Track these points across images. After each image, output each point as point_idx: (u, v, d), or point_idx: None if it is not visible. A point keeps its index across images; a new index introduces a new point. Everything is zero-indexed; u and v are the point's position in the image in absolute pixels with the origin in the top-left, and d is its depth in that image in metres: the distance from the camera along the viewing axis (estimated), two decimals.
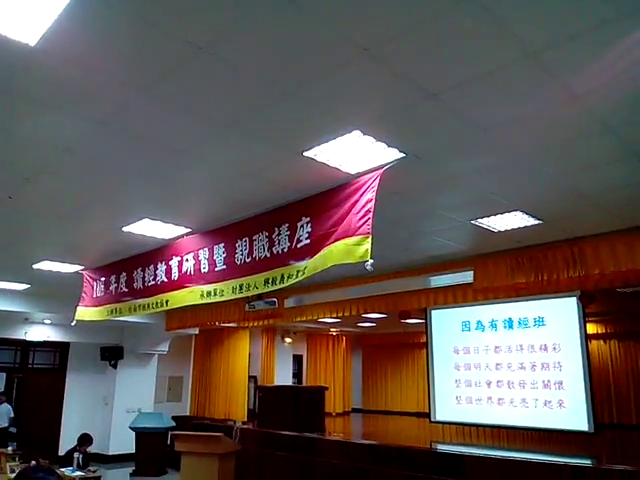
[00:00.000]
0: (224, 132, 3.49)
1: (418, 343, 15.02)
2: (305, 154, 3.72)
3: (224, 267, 5.06)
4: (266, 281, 4.58)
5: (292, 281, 4.34)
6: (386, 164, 3.80)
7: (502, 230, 5.56)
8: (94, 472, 6.95)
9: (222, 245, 5.14)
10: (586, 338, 8.71)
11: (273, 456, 8.53)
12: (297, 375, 16.32)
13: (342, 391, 16.90)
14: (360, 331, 16.62)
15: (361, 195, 3.91)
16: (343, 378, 17.13)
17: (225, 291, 5.00)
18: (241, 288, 4.84)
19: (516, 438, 9.19)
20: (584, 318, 8.64)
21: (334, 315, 9.68)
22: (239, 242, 4.97)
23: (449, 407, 10.12)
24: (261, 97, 3.08)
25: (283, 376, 14.93)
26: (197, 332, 12.48)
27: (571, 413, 8.48)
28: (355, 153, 3.75)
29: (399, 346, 16.85)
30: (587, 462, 6.66)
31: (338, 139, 3.51)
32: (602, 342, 12.79)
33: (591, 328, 11.64)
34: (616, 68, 2.76)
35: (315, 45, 2.62)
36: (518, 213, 5.06)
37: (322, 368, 16.58)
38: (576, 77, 2.84)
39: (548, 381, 8.86)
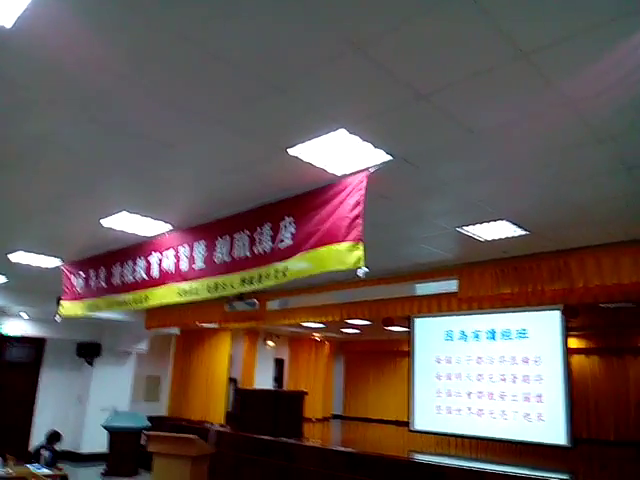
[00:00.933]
0: (207, 125, 3.38)
1: (401, 351, 14.94)
2: (289, 151, 3.62)
3: (203, 265, 4.94)
4: (243, 281, 4.47)
5: (270, 282, 4.23)
6: (373, 166, 3.71)
7: (489, 239, 5.50)
8: (60, 471, 6.75)
9: (203, 242, 5.02)
10: (567, 352, 8.71)
11: (249, 460, 8.39)
12: (278, 379, 16.15)
13: (323, 397, 16.76)
14: (343, 337, 16.52)
15: (347, 196, 3.82)
16: (324, 384, 16.99)
17: (200, 290, 4.88)
18: (217, 287, 4.72)
19: (494, 450, 9.14)
20: (567, 332, 8.64)
21: (317, 320, 9.59)
22: (220, 240, 4.85)
23: (429, 416, 10.06)
24: (246, 90, 2.98)
25: (264, 380, 14.76)
26: (178, 332, 12.29)
27: (550, 427, 8.45)
28: (341, 153, 3.66)
29: (382, 354, 16.78)
30: (564, 477, 6.62)
31: (323, 137, 3.41)
32: (583, 357, 12.80)
33: (573, 342, 11.65)
34: (611, 75, 2.70)
35: (303, 38, 2.53)
36: (505, 223, 5.00)
37: (304, 373, 16.43)
38: (569, 82, 2.78)
39: (528, 394, 8.84)
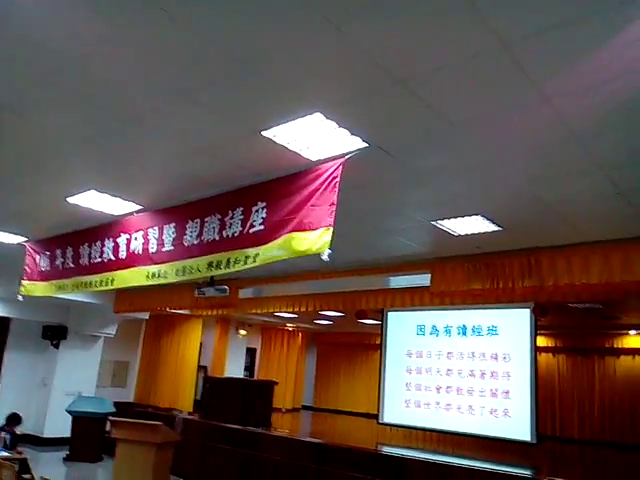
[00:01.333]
0: (180, 102, 3.26)
1: (373, 344, 15.01)
2: (263, 134, 3.52)
3: (172, 248, 4.82)
4: (210, 265, 4.37)
5: (239, 267, 4.15)
6: (348, 153, 3.64)
7: (462, 234, 5.50)
8: (20, 454, 6.58)
9: (173, 225, 4.90)
10: (536, 350, 8.82)
11: (215, 449, 8.31)
12: (249, 368, 16.08)
13: (294, 387, 16.76)
14: (317, 328, 16.50)
15: (322, 184, 3.75)
16: (296, 374, 16.98)
17: (168, 273, 4.77)
18: (184, 271, 4.62)
19: (461, 444, 9.23)
20: (536, 330, 8.74)
21: (290, 310, 9.53)
22: (190, 223, 4.73)
23: (398, 410, 10.11)
24: (219, 67, 2.87)
25: (235, 368, 14.67)
26: (148, 317, 12.10)
27: (515, 423, 8.56)
28: (316, 138, 3.58)
29: (354, 346, 16.83)
30: (527, 472, 6.70)
31: (298, 120, 3.33)
32: (551, 355, 13.05)
33: (541, 341, 11.85)
34: (590, 74, 2.68)
35: (279, 14, 2.44)
36: (479, 218, 4.99)
37: (275, 363, 16.39)
38: (548, 77, 2.74)
39: (496, 390, 8.93)
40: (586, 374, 12.60)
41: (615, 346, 12.27)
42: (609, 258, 5.19)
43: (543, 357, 12.42)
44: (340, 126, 3.39)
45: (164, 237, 4.95)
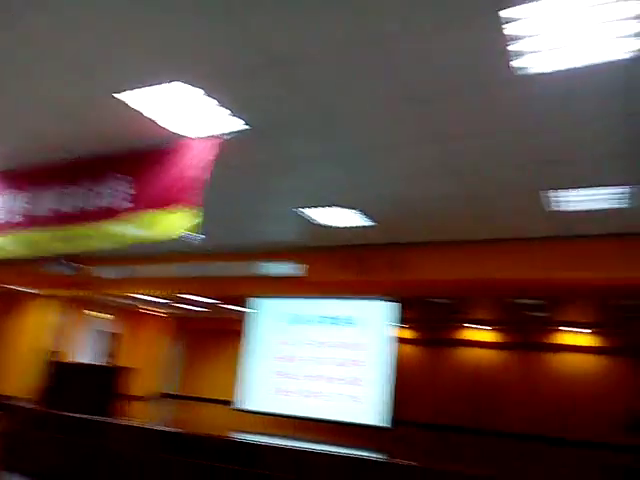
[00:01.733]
0: (26, 49, 2.81)
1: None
2: (116, 96, 3.18)
3: (15, 217, 4.22)
4: (65, 239, 3.89)
5: (97, 244, 3.75)
6: (224, 133, 3.45)
7: (335, 226, 5.55)
8: None
9: (18, 191, 4.29)
10: (396, 341, 9.29)
11: (52, 439, 7.59)
12: (111, 354, 15.08)
13: (159, 374, 16.06)
14: (185, 314, 15.93)
15: (193, 163, 3.51)
16: (161, 361, 16.28)
17: (10, 245, 4.16)
18: (29, 244, 4.06)
19: (325, 431, 9.45)
20: (399, 322, 9.20)
21: (151, 292, 9.02)
22: (40, 191, 4.19)
23: (265, 397, 10.08)
24: (72, 18, 2.51)
25: (94, 354, 13.66)
26: None
27: (373, 409, 8.96)
28: (183, 111, 3.33)
29: (224, 333, 16.49)
30: (381, 456, 7.00)
31: (156, 86, 3.07)
32: (411, 346, 13.91)
33: (403, 333, 12.54)
34: (451, 79, 2.71)
35: None
36: (351, 211, 5.06)
37: (142, 349, 15.57)
38: (414, 77, 2.76)
39: (356, 378, 9.26)
40: (440, 364, 13.63)
41: (465, 338, 13.43)
42: (460, 256, 5.59)
43: (404, 348, 13.16)
44: (221, 105, 3.19)
45: (6, 204, 4.33)
